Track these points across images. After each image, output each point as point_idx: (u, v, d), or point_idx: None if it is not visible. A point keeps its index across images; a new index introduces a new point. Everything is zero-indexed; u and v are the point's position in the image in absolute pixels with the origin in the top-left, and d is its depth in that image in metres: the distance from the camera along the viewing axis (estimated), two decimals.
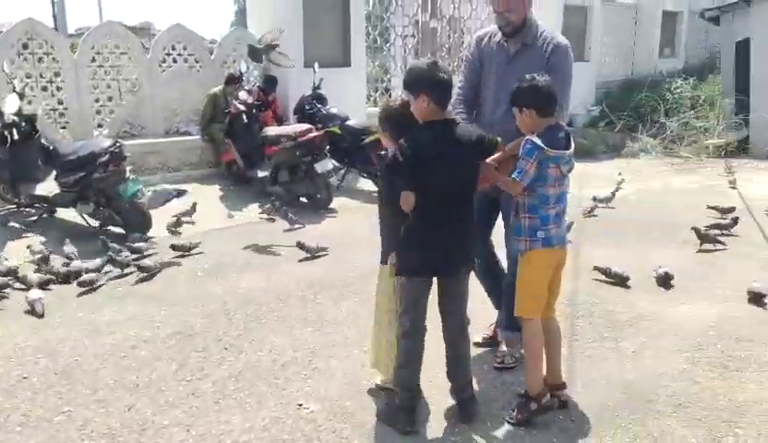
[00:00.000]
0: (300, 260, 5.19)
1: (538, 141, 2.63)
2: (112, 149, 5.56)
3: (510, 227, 3.09)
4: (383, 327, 3.03)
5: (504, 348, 3.40)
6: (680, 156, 9.81)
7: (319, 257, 5.26)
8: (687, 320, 3.89)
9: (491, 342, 3.53)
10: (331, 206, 6.95)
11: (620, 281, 4.50)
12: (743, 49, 10.38)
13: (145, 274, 4.78)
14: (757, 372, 3.23)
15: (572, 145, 2.76)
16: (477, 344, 3.46)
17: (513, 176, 2.67)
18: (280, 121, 8.40)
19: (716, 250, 5.27)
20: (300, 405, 3.00)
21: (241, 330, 3.84)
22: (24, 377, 3.28)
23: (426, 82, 2.64)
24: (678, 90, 11.06)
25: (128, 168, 5.78)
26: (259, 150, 7.36)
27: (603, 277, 4.58)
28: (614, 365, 3.34)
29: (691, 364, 3.33)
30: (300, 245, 5.31)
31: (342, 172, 7.86)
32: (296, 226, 6.17)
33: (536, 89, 2.70)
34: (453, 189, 2.69)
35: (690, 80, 11.41)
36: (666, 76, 13.07)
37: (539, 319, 2.84)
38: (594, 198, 6.78)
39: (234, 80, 7.95)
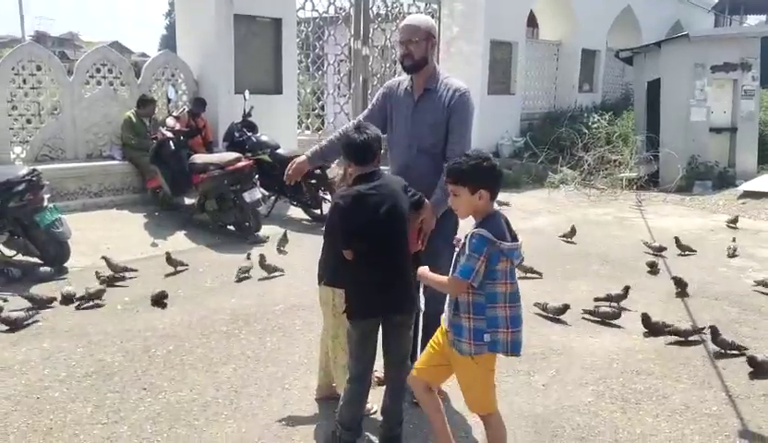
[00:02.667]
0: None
1: (488, 234, 2.40)
2: (29, 177, 5.40)
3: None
4: (328, 333, 3.17)
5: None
6: (597, 188, 10.36)
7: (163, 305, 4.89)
8: (593, 353, 4.13)
9: None
10: (260, 234, 6.95)
11: (557, 313, 4.69)
12: (654, 88, 11.10)
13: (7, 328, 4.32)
14: (654, 405, 3.48)
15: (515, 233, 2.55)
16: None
17: (456, 275, 2.44)
18: (209, 147, 8.35)
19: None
20: None
21: (161, 369, 3.80)
22: None
23: (345, 149, 2.87)
24: (596, 125, 11.69)
25: (47, 196, 5.61)
26: (187, 177, 7.28)
27: (542, 312, 4.77)
28: (525, 399, 3.51)
29: (596, 397, 3.55)
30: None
31: (272, 200, 7.88)
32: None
33: (491, 166, 2.50)
34: (389, 238, 2.78)
35: (606, 116, 12.08)
36: (585, 110, 13.78)
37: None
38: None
39: (146, 102, 7.92)
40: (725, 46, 10.93)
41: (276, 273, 5.63)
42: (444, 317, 2.65)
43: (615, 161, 10.95)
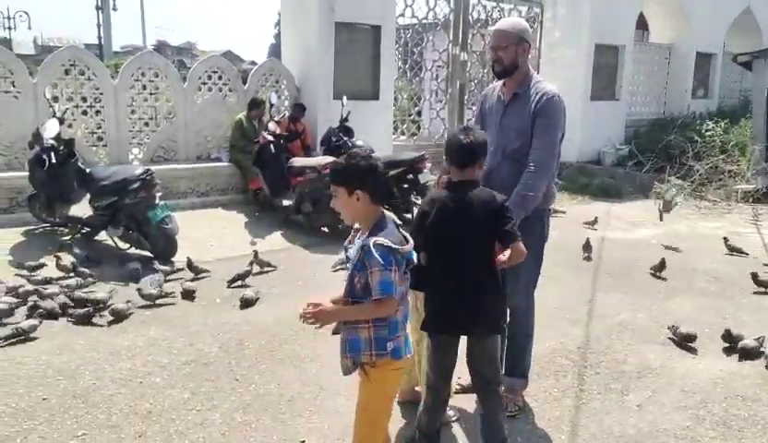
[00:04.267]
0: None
1: (389, 243, 2.23)
2: (143, 176, 5.81)
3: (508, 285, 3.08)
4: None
5: (506, 395, 3.45)
6: (708, 199, 9.72)
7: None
8: (694, 375, 3.88)
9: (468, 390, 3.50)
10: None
11: (686, 340, 4.31)
12: None
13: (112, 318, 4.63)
14: (759, 433, 3.21)
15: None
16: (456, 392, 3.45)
17: (381, 295, 2.20)
18: (308, 151, 8.62)
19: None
20: (302, 442, 3.09)
21: (253, 361, 3.96)
22: (44, 399, 3.44)
23: (448, 149, 2.77)
24: (709, 133, 10.97)
25: (159, 194, 6.02)
26: (285, 180, 7.57)
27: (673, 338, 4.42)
28: (616, 419, 3.35)
29: (695, 421, 3.33)
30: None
31: None
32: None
33: (368, 166, 2.32)
34: (468, 249, 2.67)
35: (722, 123, 11.32)
36: (698, 117, 12.97)
37: None
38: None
39: (257, 105, 8.28)
40: None
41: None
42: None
43: (730, 171, 10.22)
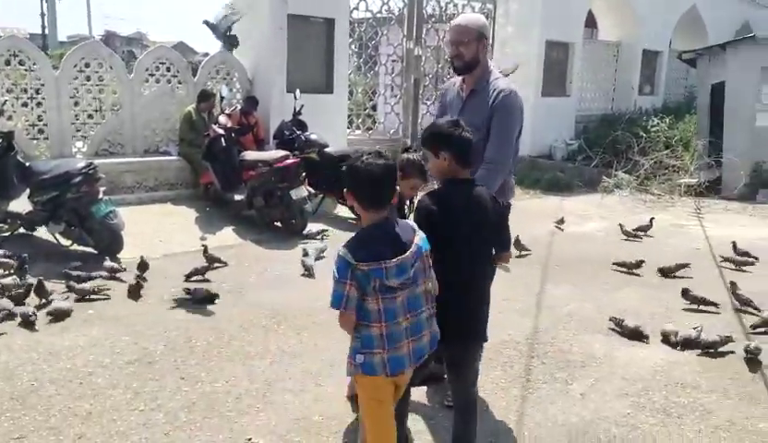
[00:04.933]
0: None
1: (347, 255, 2.17)
2: (86, 170, 5.62)
3: None
4: None
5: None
6: (653, 193, 10.01)
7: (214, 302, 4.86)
8: (636, 364, 3.98)
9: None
10: (305, 232, 7.02)
11: (635, 335, 4.36)
12: (718, 92, 10.64)
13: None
14: (697, 419, 3.32)
15: (411, 245, 2.27)
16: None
17: (332, 307, 2.20)
18: (260, 145, 8.50)
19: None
20: (249, 439, 3.05)
21: (200, 359, 3.89)
22: None
23: (448, 140, 2.62)
24: (655, 129, 11.30)
25: (102, 189, 5.84)
26: (237, 174, 7.44)
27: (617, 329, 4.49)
28: (560, 407, 3.42)
29: (635, 409, 3.42)
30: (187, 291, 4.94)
31: (319, 198, 7.95)
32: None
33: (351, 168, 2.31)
34: (477, 250, 2.61)
35: (667, 119, 11.66)
36: (645, 113, 13.35)
37: None
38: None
39: (206, 97, 8.12)
40: None
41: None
42: None
43: (674, 166, 10.56)
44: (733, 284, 5.17)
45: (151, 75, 8.45)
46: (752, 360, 3.97)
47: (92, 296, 4.83)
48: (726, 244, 6.67)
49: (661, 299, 5.20)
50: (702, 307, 4.92)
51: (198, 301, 4.82)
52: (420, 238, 2.31)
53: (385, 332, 2.23)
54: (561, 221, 7.75)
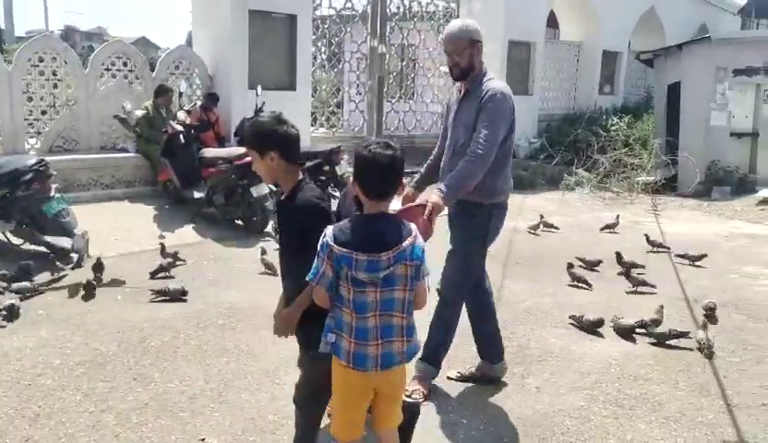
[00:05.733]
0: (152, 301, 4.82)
1: (329, 236, 2.18)
2: (37, 166, 5.47)
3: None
4: None
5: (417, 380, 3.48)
6: (612, 191, 10.21)
7: (182, 300, 4.83)
8: (591, 357, 4.05)
9: (467, 378, 3.65)
10: (267, 230, 6.95)
11: (591, 326, 4.45)
12: (675, 91, 10.91)
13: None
14: (648, 411, 3.39)
15: (394, 247, 2.17)
16: (450, 378, 3.63)
17: (308, 277, 2.21)
18: (221, 142, 8.40)
19: (637, 291, 5.48)
20: (202, 440, 3.00)
21: (154, 359, 3.81)
22: None
23: (274, 138, 2.42)
24: (614, 128, 11.52)
25: (54, 186, 5.68)
26: (197, 171, 7.34)
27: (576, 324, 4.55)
28: (516, 402, 3.45)
29: (588, 401, 3.47)
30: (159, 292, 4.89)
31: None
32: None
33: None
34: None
35: (626, 118, 11.90)
36: (605, 112, 13.59)
37: None
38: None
39: (164, 92, 7.97)
40: (747, 50, 10.68)
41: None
42: None
43: (632, 164, 10.77)
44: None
45: (107, 69, 8.28)
46: (703, 352, 4.07)
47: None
48: (682, 239, 6.84)
49: (616, 293, 5.29)
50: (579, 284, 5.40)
51: (175, 297, 4.81)
52: (411, 245, 2.20)
53: (354, 323, 2.20)
54: (536, 227, 7.59)
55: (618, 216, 7.81)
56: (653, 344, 4.24)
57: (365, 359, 2.22)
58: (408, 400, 3.25)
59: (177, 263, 5.66)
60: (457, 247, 3.44)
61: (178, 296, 4.84)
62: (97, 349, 3.91)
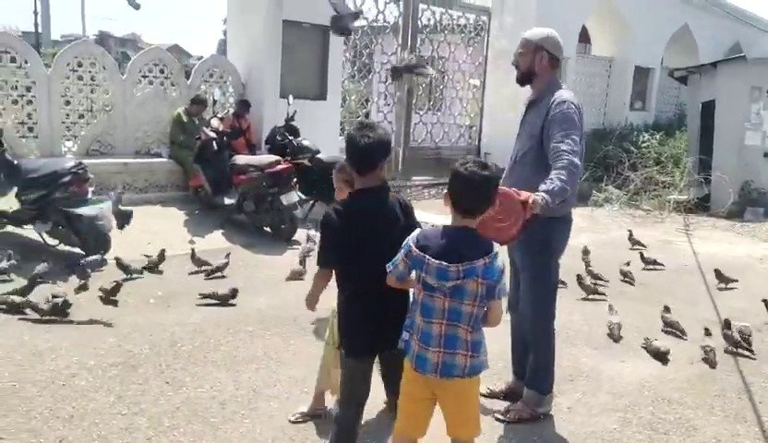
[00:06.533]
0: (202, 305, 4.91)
1: (413, 238, 2.33)
2: (75, 169, 5.58)
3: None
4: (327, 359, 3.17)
5: (518, 404, 3.43)
6: (642, 209, 10.07)
7: (231, 304, 4.93)
8: (623, 378, 3.98)
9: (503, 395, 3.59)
10: (295, 238, 6.99)
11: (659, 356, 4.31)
12: (708, 110, 10.74)
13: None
14: (683, 436, 3.32)
15: (468, 261, 2.24)
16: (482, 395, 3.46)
17: (387, 265, 2.39)
18: (252, 149, 8.48)
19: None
20: None
21: (185, 364, 3.84)
22: None
23: (347, 149, 2.56)
24: (645, 145, 11.39)
25: (91, 189, 5.79)
26: (228, 178, 7.41)
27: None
28: (548, 422, 3.40)
29: (621, 424, 3.42)
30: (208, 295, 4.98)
31: (310, 204, 7.92)
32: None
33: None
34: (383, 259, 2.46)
35: (657, 135, 11.76)
36: (636, 129, 13.44)
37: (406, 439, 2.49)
38: None
39: (199, 101, 8.11)
40: None
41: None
42: None
43: (663, 182, 10.63)
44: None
45: (144, 76, 8.42)
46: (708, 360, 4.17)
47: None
48: (715, 260, 6.71)
49: (645, 313, 5.20)
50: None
51: (227, 300, 4.92)
52: (486, 265, 2.25)
53: (421, 326, 2.33)
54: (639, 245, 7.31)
55: (630, 231, 7.69)
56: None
57: (425, 363, 2.32)
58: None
59: (205, 268, 5.72)
60: (524, 267, 3.36)
61: (227, 301, 4.93)
62: (130, 351, 3.96)
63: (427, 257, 2.26)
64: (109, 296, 4.82)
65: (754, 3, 48.59)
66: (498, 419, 3.35)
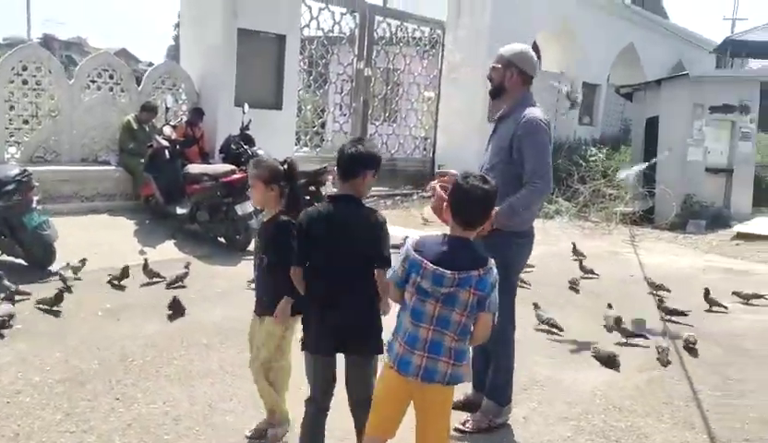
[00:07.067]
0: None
1: (411, 242, 2.42)
2: (19, 177, 5.38)
3: None
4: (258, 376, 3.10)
5: (477, 414, 3.43)
6: (591, 220, 10.36)
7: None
8: (577, 388, 4.07)
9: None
10: (250, 248, 6.90)
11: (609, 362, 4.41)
12: (653, 125, 11.17)
13: None
14: None
15: (464, 271, 2.32)
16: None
17: (388, 273, 2.50)
18: (205, 158, 8.34)
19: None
20: None
21: (136, 379, 3.73)
22: None
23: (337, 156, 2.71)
24: (593, 158, 11.73)
25: (36, 198, 5.58)
26: (180, 187, 7.27)
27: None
28: (503, 431, 3.44)
29: (575, 432, 3.49)
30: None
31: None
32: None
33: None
34: (347, 265, 2.60)
35: (604, 150, 12.14)
36: (584, 143, 13.84)
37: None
38: None
39: (149, 108, 7.97)
40: (724, 88, 11.01)
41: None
42: None
43: (611, 195, 10.95)
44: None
45: (93, 81, 8.19)
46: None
47: None
48: (660, 271, 6.95)
49: (597, 320, 5.34)
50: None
51: (181, 312, 4.78)
52: (480, 276, 2.32)
53: (409, 329, 2.37)
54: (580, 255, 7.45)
55: (574, 243, 7.86)
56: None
57: (408, 365, 2.36)
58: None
59: (158, 280, 5.58)
60: None
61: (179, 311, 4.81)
62: (77, 366, 3.83)
63: (425, 261, 2.33)
64: (51, 307, 4.66)
65: (696, 23, 50.87)
66: (456, 429, 3.37)
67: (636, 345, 4.81)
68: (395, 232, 7.96)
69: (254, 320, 3.16)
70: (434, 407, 2.44)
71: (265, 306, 3.04)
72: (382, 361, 2.55)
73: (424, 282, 2.33)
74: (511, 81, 3.33)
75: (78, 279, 5.41)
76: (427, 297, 2.34)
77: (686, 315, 5.48)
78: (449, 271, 2.30)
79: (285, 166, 3.01)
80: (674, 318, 5.46)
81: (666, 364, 4.41)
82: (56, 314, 4.66)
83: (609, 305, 5.31)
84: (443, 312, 2.33)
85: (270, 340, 3.03)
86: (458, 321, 2.34)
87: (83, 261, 5.54)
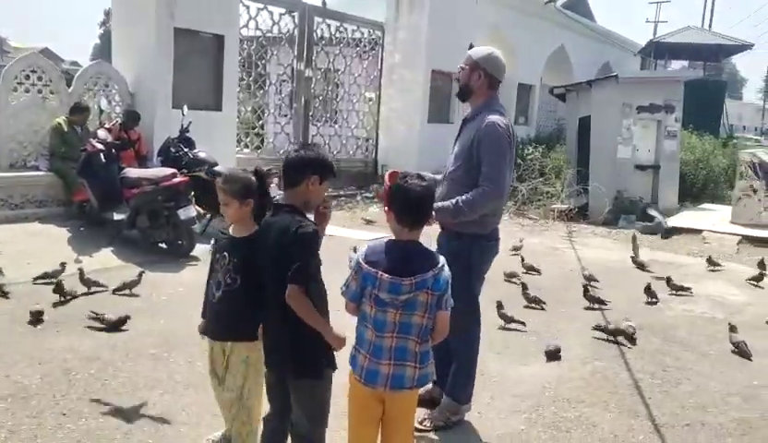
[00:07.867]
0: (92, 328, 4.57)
1: (360, 253, 2.41)
2: None
3: None
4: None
5: (435, 412, 3.47)
6: (530, 217, 10.66)
7: (122, 330, 4.56)
8: (526, 381, 4.19)
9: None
10: (193, 254, 6.74)
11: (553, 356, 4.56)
12: (585, 125, 11.59)
13: None
14: (584, 433, 3.55)
15: (418, 275, 2.31)
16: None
17: (340, 288, 2.45)
18: (142, 162, 8.08)
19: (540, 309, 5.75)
20: None
21: (81, 393, 3.59)
22: None
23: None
24: (530, 157, 12.08)
25: None
26: (117, 192, 7.02)
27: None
28: (461, 427, 3.51)
29: (528, 424, 3.59)
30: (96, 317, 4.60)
31: (207, 218, 7.67)
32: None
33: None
34: (270, 279, 2.46)
35: (540, 148, 12.52)
36: (521, 142, 14.22)
37: None
38: None
39: (80, 109, 7.68)
40: (650, 88, 11.56)
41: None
42: None
43: (547, 192, 11.31)
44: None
45: (20, 83, 7.81)
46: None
47: None
48: (595, 266, 7.23)
49: (540, 316, 5.51)
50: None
51: (113, 326, 4.53)
52: (435, 276, 2.33)
53: (373, 340, 2.35)
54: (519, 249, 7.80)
55: (521, 240, 8.18)
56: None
57: (376, 375, 2.36)
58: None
59: (96, 290, 5.38)
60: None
61: (117, 328, 4.56)
62: (19, 382, 3.65)
63: (380, 272, 2.31)
64: None
65: (622, 27, 53.07)
66: (415, 428, 3.40)
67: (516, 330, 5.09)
68: (339, 233, 7.98)
69: (215, 346, 2.83)
70: (402, 412, 2.45)
71: (238, 332, 2.70)
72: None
73: (381, 293, 2.31)
74: (478, 83, 3.37)
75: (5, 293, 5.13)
76: (387, 307, 2.33)
77: (605, 303, 5.88)
78: (406, 279, 2.30)
79: (256, 176, 2.71)
80: (595, 306, 5.85)
81: (634, 342, 4.93)
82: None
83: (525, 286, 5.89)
84: (404, 318, 2.34)
85: (247, 368, 2.71)
86: (419, 324, 2.37)
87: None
